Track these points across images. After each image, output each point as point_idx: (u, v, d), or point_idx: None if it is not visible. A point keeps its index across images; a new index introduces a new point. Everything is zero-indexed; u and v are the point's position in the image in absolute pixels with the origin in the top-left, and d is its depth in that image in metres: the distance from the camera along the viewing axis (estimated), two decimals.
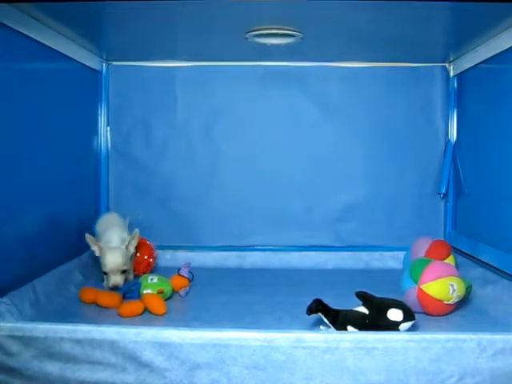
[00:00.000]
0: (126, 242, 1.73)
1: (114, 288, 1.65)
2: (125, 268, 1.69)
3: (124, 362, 1.14)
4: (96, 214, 2.20)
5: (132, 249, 1.76)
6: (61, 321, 1.33)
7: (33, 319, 1.37)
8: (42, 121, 1.68)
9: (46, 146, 1.71)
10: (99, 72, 2.20)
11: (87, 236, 1.70)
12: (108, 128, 2.25)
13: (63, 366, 1.15)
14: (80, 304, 1.59)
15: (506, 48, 1.68)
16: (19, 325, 1.18)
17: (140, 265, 1.90)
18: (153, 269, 1.96)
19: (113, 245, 1.72)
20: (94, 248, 1.71)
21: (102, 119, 2.24)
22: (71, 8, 1.43)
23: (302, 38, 1.74)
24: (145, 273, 1.86)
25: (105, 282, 1.73)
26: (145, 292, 1.61)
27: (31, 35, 1.56)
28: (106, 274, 1.69)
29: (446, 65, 2.20)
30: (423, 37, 1.78)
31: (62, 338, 1.15)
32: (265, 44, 1.78)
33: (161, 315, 1.51)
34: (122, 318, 1.48)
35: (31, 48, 1.59)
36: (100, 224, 1.88)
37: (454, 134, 2.20)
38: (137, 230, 1.76)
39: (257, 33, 1.69)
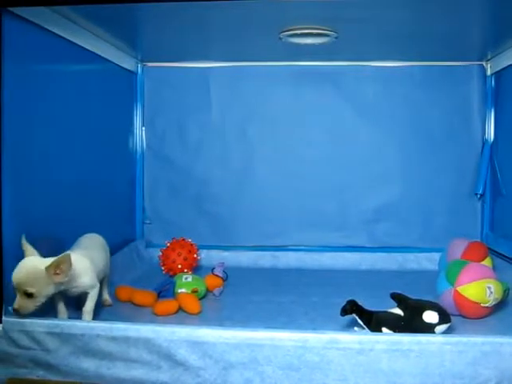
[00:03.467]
0: (47, 263, 1.25)
1: (16, 312, 1.23)
2: (30, 290, 1.22)
3: (159, 360, 1.15)
4: (131, 214, 2.24)
5: (60, 276, 1.26)
6: (96, 318, 1.35)
7: (69, 317, 1.40)
8: (79, 121, 1.71)
9: (82, 146, 1.74)
10: (134, 73, 2.23)
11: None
12: (143, 128, 2.28)
13: (99, 363, 1.17)
14: (115, 302, 1.61)
15: None
16: (57, 322, 1.21)
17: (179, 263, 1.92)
18: (194, 267, 1.98)
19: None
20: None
21: (138, 120, 2.27)
22: (108, 10, 1.44)
23: (336, 38, 1.73)
24: (185, 271, 1.88)
25: None
26: (179, 291, 1.63)
27: (68, 37, 1.59)
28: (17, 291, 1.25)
29: (484, 63, 2.16)
30: (460, 35, 1.75)
31: (98, 336, 1.17)
32: (299, 44, 1.78)
33: (195, 314, 1.52)
34: (156, 317, 1.50)
35: (67, 50, 1.63)
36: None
37: (491, 133, 2.17)
38: (67, 253, 1.27)
39: (291, 33, 1.69)
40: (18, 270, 1.24)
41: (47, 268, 1.25)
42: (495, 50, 1.99)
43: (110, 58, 1.93)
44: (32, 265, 1.26)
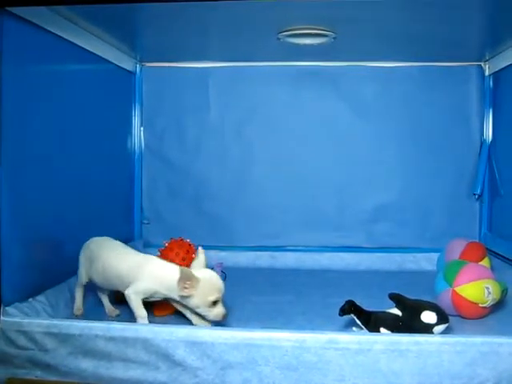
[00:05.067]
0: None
1: (224, 319, 1.37)
2: None
3: (157, 360, 1.15)
4: (129, 214, 2.23)
5: None
6: (95, 319, 1.35)
7: (67, 317, 1.40)
8: (77, 121, 1.71)
9: (80, 146, 1.73)
10: (133, 73, 2.23)
11: (185, 271, 1.33)
12: (142, 128, 2.28)
13: (97, 363, 1.17)
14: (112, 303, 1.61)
15: None
16: (55, 322, 1.21)
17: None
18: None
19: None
20: (188, 285, 1.33)
21: (136, 120, 2.27)
22: (107, 11, 1.45)
23: (334, 38, 1.73)
24: None
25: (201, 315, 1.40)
26: None
27: (66, 37, 1.59)
28: (215, 303, 1.35)
29: (482, 64, 2.16)
30: (458, 36, 1.75)
31: (96, 336, 1.16)
32: (297, 44, 1.78)
33: None
34: (155, 317, 1.50)
35: (66, 50, 1.62)
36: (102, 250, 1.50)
37: (489, 133, 2.17)
38: (201, 249, 1.48)
39: (289, 33, 1.69)
40: (220, 281, 1.38)
41: None
42: (493, 50, 1.99)
43: (108, 58, 1.93)
44: None
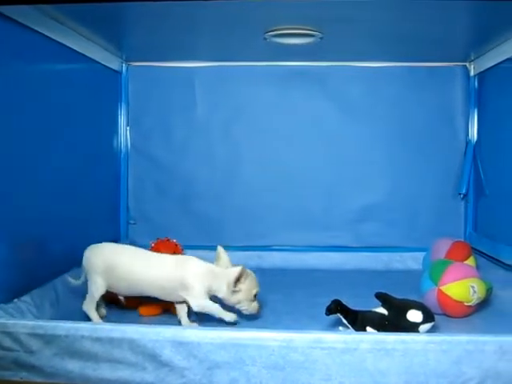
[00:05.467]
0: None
1: (259, 312, 1.45)
2: None
3: (144, 360, 1.14)
4: (115, 214, 2.22)
5: None
6: (81, 319, 1.35)
7: (53, 318, 1.39)
8: (63, 121, 1.70)
9: (66, 145, 1.72)
10: (119, 73, 2.22)
11: (243, 267, 1.40)
12: (128, 128, 2.27)
13: (84, 364, 1.16)
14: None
15: None
16: (41, 323, 1.20)
17: None
18: None
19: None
20: (242, 280, 1.40)
21: (122, 119, 2.26)
22: (92, 10, 1.44)
23: (321, 38, 1.74)
24: None
25: (239, 310, 1.44)
26: None
27: (52, 36, 1.58)
28: (255, 296, 1.43)
29: (467, 64, 2.18)
30: (444, 36, 1.76)
31: (83, 337, 1.16)
32: (284, 44, 1.78)
33: None
34: (141, 317, 1.49)
35: (52, 49, 1.61)
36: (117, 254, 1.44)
37: (474, 134, 2.18)
38: (221, 248, 1.53)
39: (276, 33, 1.69)
40: (255, 278, 1.43)
41: None
42: (478, 51, 2.00)
43: (94, 58, 1.92)
44: None
